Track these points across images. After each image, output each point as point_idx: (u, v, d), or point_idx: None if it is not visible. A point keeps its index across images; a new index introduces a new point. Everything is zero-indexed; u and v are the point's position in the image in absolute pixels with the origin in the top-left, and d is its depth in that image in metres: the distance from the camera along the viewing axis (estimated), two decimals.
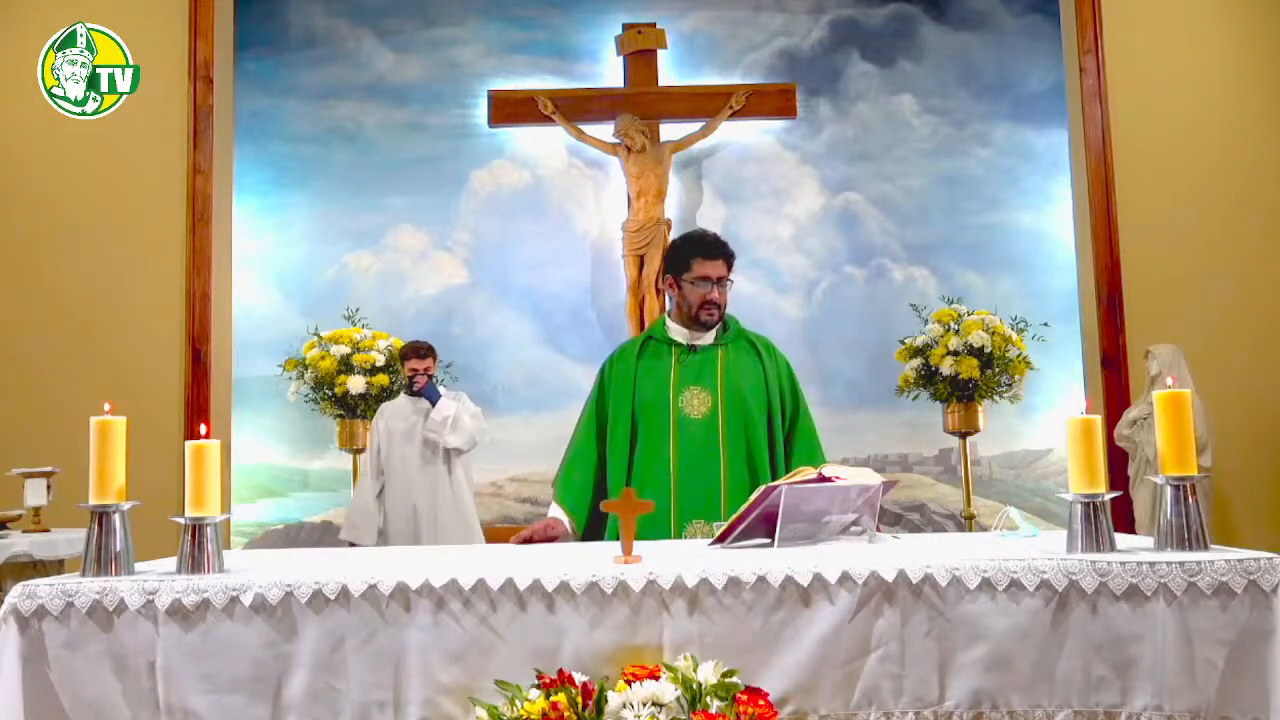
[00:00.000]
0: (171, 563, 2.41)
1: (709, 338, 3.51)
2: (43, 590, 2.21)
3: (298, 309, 6.29)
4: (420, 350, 5.68)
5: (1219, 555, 2.20)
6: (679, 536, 3.29)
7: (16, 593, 2.22)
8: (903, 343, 5.97)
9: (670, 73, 6.50)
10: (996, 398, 5.85)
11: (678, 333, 3.52)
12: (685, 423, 3.39)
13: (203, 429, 2.47)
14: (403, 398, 5.69)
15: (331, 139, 6.45)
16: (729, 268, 3.51)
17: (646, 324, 5.79)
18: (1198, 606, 2.15)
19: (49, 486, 5.02)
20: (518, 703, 2.09)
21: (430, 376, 5.65)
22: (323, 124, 6.45)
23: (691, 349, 3.49)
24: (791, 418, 3.52)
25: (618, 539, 2.49)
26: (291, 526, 6.24)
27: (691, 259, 3.48)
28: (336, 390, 5.72)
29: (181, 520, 2.36)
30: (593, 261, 6.44)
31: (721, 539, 2.73)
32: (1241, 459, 6.10)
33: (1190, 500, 2.30)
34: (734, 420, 3.41)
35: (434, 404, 5.38)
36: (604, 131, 6.40)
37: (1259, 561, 2.16)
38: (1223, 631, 2.13)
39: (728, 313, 3.57)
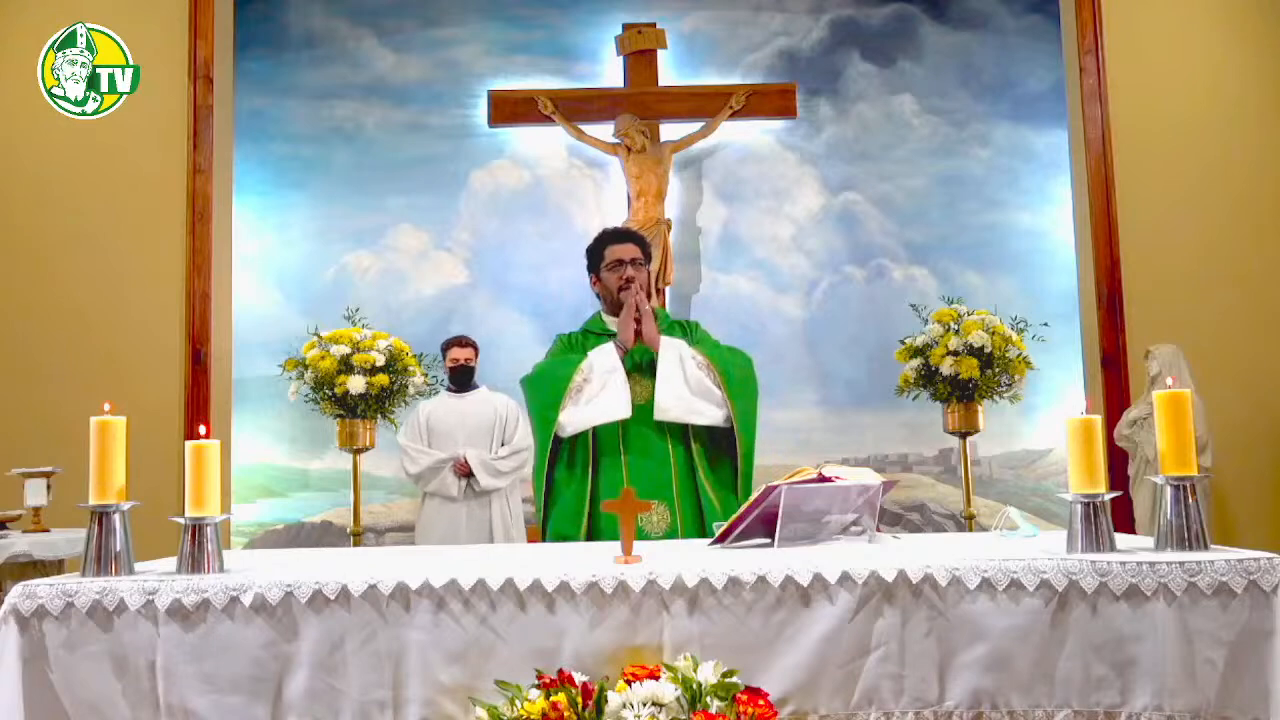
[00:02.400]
0: (171, 563, 2.41)
1: None
2: (43, 590, 2.21)
3: (298, 309, 6.29)
4: (462, 340, 5.86)
5: (1219, 555, 2.20)
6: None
7: (16, 593, 2.22)
8: (903, 343, 5.95)
9: (670, 73, 6.50)
10: (996, 398, 5.83)
11: (612, 323, 3.65)
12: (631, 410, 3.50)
13: (203, 429, 2.47)
14: (445, 394, 5.82)
15: (331, 139, 6.45)
16: (642, 252, 3.68)
17: None
18: (1198, 606, 2.15)
19: (49, 486, 5.02)
20: (518, 703, 2.09)
21: (471, 369, 5.79)
22: (323, 124, 6.45)
23: None
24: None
25: None
26: (291, 526, 6.23)
27: (604, 248, 3.68)
28: (337, 390, 5.70)
29: (181, 520, 2.36)
30: None
31: (721, 539, 2.73)
32: (1241, 459, 6.10)
33: (1190, 500, 2.30)
34: None
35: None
36: (604, 131, 6.40)
37: (1259, 561, 2.16)
38: (1223, 631, 2.14)
39: (655, 306, 3.74)
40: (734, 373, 3.53)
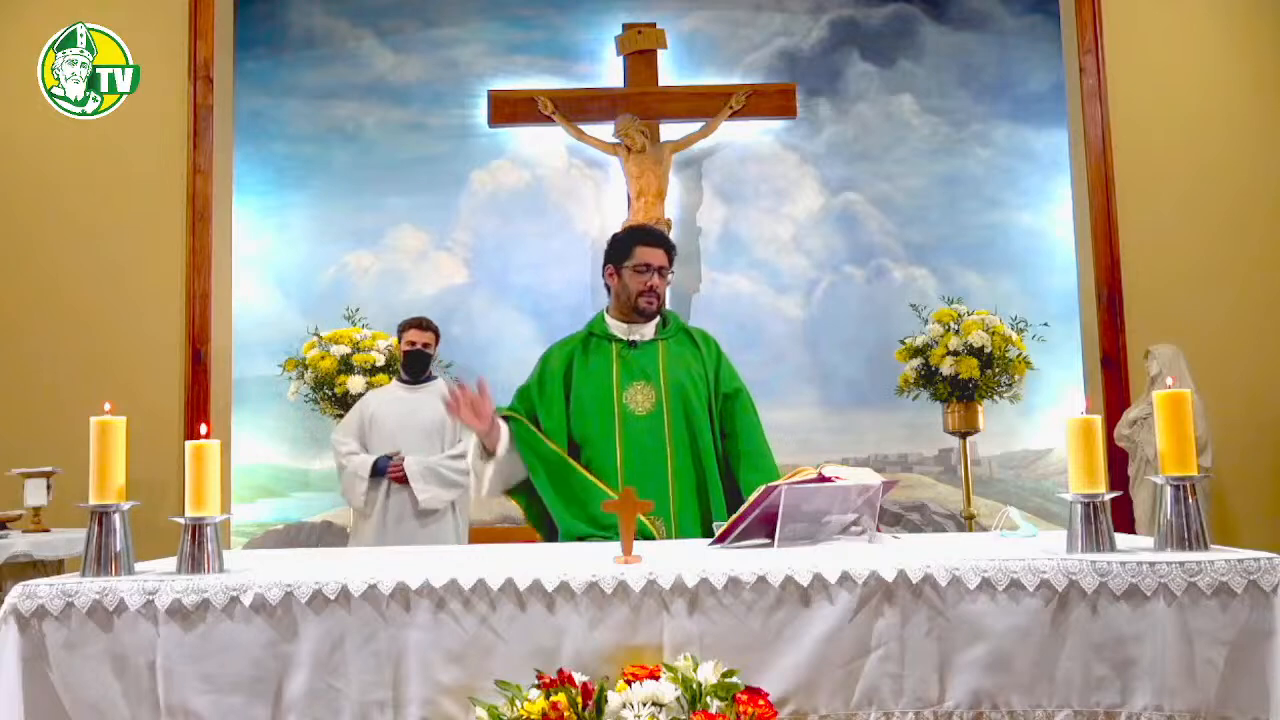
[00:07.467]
0: (171, 563, 2.41)
1: (649, 332, 3.49)
2: (43, 590, 2.21)
3: (298, 309, 6.29)
4: (422, 322, 5.33)
5: (1219, 555, 2.20)
6: None
7: (16, 593, 2.22)
8: (903, 343, 5.97)
9: (670, 73, 6.50)
10: (996, 398, 5.85)
11: (617, 328, 3.49)
12: (630, 419, 3.36)
13: (203, 429, 2.47)
14: (395, 385, 5.37)
15: (331, 139, 6.45)
16: (670, 260, 3.50)
17: None
18: (1198, 606, 2.14)
19: (49, 486, 5.03)
20: (518, 703, 2.09)
21: (428, 357, 5.28)
22: (323, 124, 6.45)
23: (631, 344, 3.45)
24: (723, 408, 3.47)
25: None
26: (291, 526, 6.23)
27: (633, 247, 3.47)
28: (336, 390, 5.71)
29: (181, 520, 2.36)
30: (593, 261, 6.41)
31: (721, 539, 2.73)
32: (1241, 459, 6.10)
33: (1190, 500, 2.30)
34: (678, 414, 3.38)
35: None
36: (604, 131, 6.40)
37: (1259, 561, 2.16)
38: (1223, 631, 2.13)
39: (667, 309, 3.57)
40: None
